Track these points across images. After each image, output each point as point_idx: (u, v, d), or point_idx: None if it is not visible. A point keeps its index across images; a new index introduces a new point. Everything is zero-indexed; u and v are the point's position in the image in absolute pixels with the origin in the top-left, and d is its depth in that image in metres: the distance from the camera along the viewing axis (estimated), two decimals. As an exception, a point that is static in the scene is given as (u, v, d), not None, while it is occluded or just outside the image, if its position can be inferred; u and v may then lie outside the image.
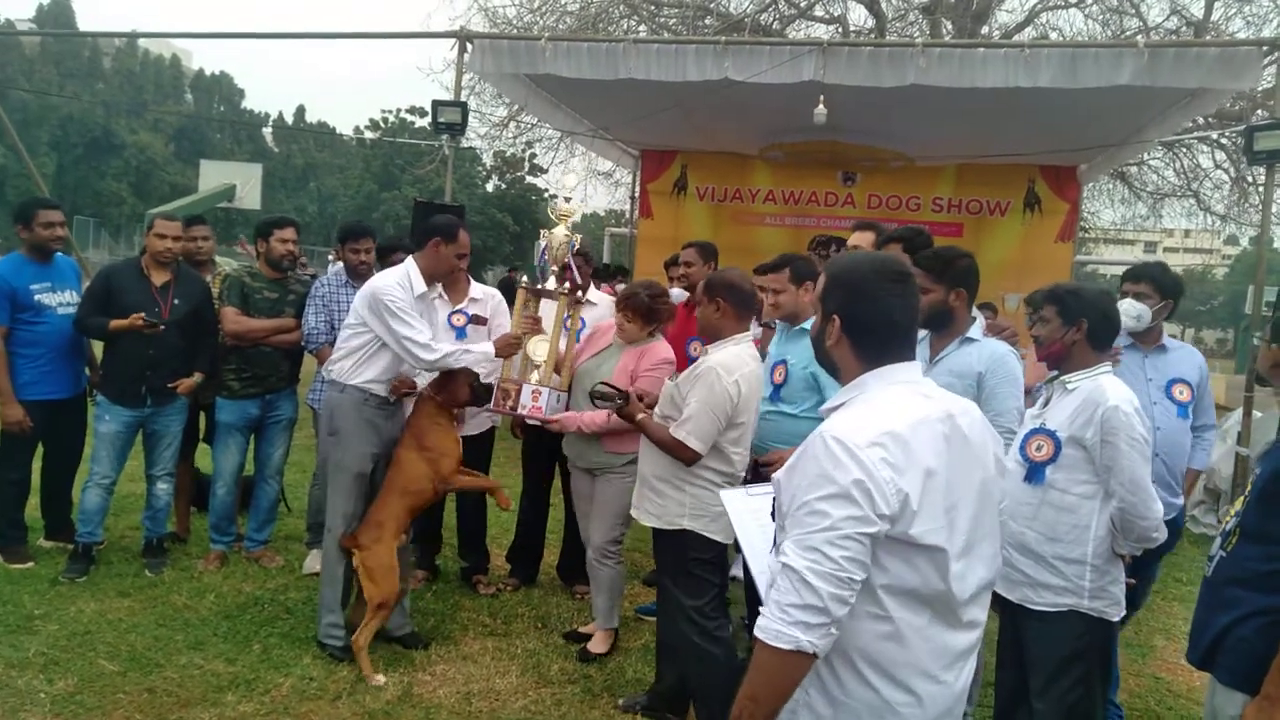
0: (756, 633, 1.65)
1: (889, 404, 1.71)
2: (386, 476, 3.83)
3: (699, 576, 3.21)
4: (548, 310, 4.12)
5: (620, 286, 5.69)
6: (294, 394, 4.89)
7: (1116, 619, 2.70)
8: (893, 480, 1.60)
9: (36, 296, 4.48)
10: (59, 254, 4.73)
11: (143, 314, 4.35)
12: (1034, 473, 2.68)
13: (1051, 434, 2.68)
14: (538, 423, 3.98)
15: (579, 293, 4.04)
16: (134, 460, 4.71)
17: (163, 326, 4.40)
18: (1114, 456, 2.57)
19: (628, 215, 11.92)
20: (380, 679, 3.58)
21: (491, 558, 4.90)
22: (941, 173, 9.45)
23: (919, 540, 1.63)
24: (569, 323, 4.08)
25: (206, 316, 4.61)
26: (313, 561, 4.64)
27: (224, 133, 47.31)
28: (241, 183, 20.48)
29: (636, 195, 10.71)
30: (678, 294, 4.70)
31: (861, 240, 3.92)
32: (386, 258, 4.66)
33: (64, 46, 41.72)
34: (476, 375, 3.90)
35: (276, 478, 4.90)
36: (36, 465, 4.73)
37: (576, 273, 4.02)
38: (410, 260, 3.85)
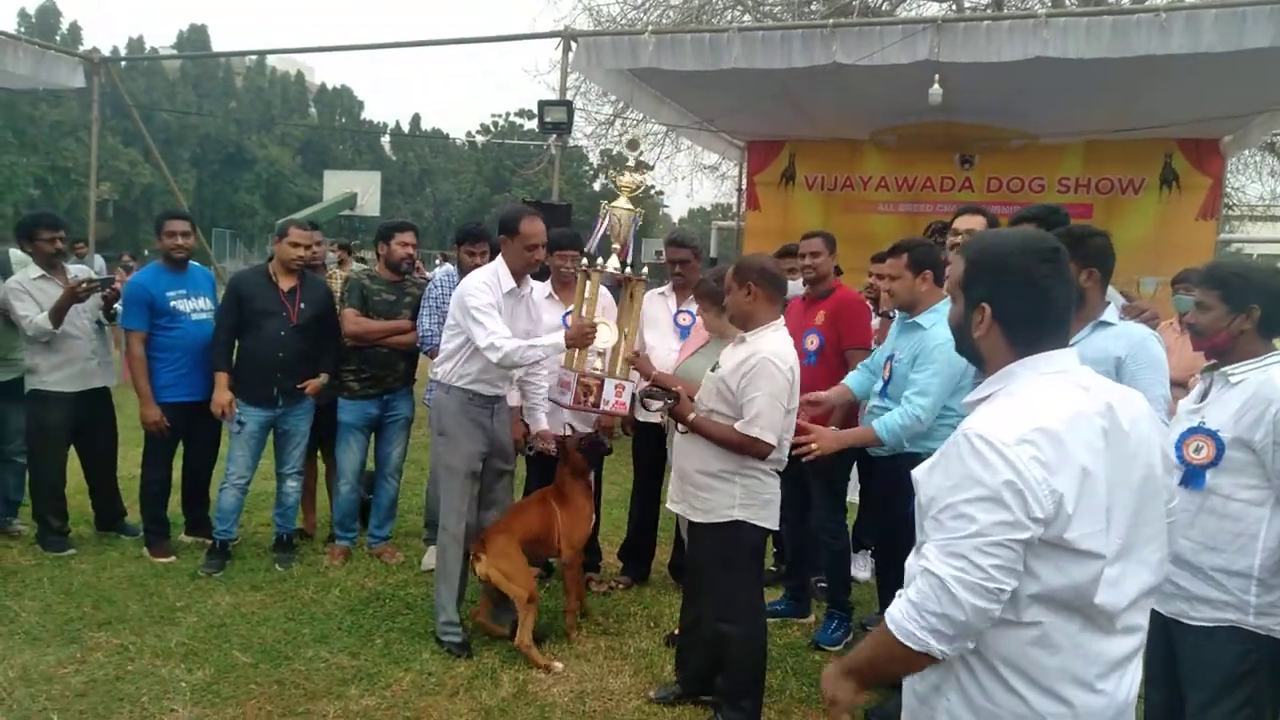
0: (887, 620, 1.57)
1: (1040, 397, 1.56)
2: (525, 499, 4.06)
3: (749, 564, 3.22)
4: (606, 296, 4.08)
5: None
6: (410, 394, 4.99)
7: (1291, 638, 2.42)
8: (1045, 480, 1.47)
9: (172, 303, 4.71)
10: (195, 264, 4.98)
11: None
12: (1192, 477, 2.39)
13: (1213, 434, 2.38)
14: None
15: (630, 271, 3.81)
16: (263, 459, 4.91)
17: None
18: None
19: (735, 208, 11.76)
20: (559, 665, 3.70)
21: (604, 555, 4.89)
22: (1067, 150, 8.93)
23: (1075, 545, 1.50)
24: (630, 305, 3.89)
25: (330, 320, 4.75)
26: (430, 558, 4.73)
27: (346, 143, 49.45)
28: (362, 190, 21.32)
29: (743, 188, 10.56)
30: (795, 286, 4.56)
31: (972, 224, 3.71)
32: (556, 253, 4.71)
33: (201, 69, 44.48)
34: (584, 439, 4.02)
35: (395, 475, 5.01)
36: (177, 465, 4.98)
37: (631, 253, 3.86)
38: (499, 258, 3.86)
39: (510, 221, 3.78)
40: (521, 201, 8.00)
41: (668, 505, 3.45)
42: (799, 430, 3.27)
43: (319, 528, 5.31)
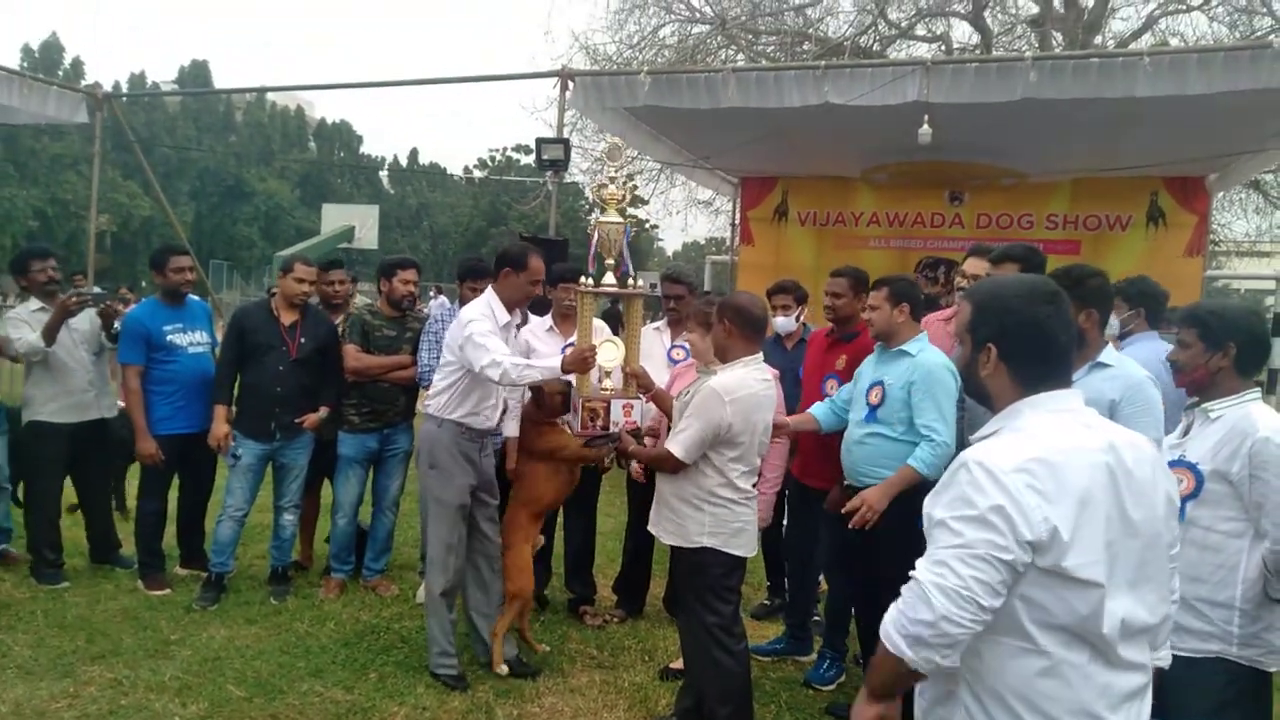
0: (881, 632, 1.66)
1: (1043, 431, 1.63)
2: (511, 491, 4.09)
3: (718, 593, 3.27)
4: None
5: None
6: (410, 427, 5.01)
7: (1275, 669, 2.44)
8: (1039, 507, 1.53)
9: (169, 337, 4.74)
10: (191, 296, 5.01)
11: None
12: None
13: (1192, 467, 2.46)
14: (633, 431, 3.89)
15: (632, 282, 3.81)
16: (261, 492, 4.91)
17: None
18: (1265, 493, 2.34)
19: (728, 243, 11.87)
20: (504, 668, 3.87)
21: (598, 588, 4.89)
22: (1056, 188, 9.05)
23: (1073, 574, 1.54)
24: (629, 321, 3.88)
25: (333, 355, 4.77)
26: (425, 591, 4.72)
27: (344, 177, 49.75)
28: (360, 224, 21.51)
29: (737, 223, 10.65)
30: (781, 323, 4.60)
31: (978, 268, 3.78)
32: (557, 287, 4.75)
33: (201, 103, 44.85)
34: (568, 384, 3.88)
35: (393, 509, 5.02)
36: (172, 497, 4.98)
37: (629, 266, 3.86)
38: (490, 290, 3.88)
39: (519, 257, 3.82)
40: (519, 236, 8.06)
41: (649, 527, 3.50)
42: (844, 503, 3.42)
43: (315, 561, 5.30)
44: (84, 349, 4.84)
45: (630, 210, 3.91)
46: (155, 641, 4.08)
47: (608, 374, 3.80)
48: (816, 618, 4.44)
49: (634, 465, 4.40)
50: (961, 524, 1.55)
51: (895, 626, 1.61)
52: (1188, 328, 2.56)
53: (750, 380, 3.24)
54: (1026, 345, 1.68)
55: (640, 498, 4.71)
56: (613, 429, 3.68)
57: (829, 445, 3.89)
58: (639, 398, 3.79)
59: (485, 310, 3.79)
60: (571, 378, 3.78)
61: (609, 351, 3.80)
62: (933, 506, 1.64)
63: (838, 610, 4.14)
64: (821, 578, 4.48)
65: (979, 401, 1.81)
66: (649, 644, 4.37)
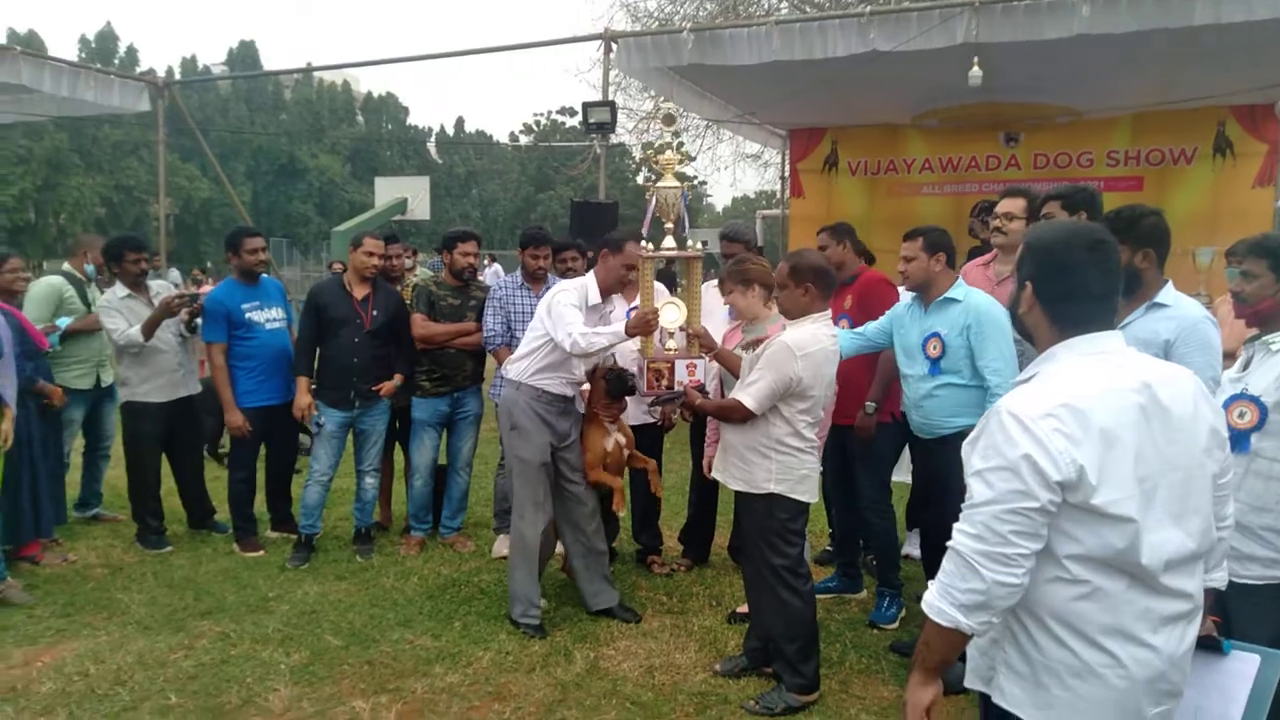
0: (923, 605, 1.73)
1: (1073, 375, 1.69)
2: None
3: (785, 536, 3.41)
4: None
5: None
6: (479, 391, 5.24)
7: (1338, 597, 2.49)
8: (1067, 450, 1.60)
9: (248, 315, 5.00)
10: (265, 275, 5.26)
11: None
12: (1237, 441, 2.47)
13: (1255, 399, 2.48)
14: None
15: (691, 245, 3.97)
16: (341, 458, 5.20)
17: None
18: None
19: (778, 196, 11.83)
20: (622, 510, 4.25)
21: (664, 539, 5.08)
22: (1115, 124, 8.81)
23: (1104, 510, 1.62)
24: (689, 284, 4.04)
25: (403, 325, 5.00)
26: (500, 545, 4.96)
27: (393, 149, 50.28)
28: (412, 195, 21.70)
29: (786, 175, 10.62)
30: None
31: (1012, 206, 3.80)
32: (557, 258, 4.96)
33: (252, 85, 45.64)
34: (611, 370, 4.07)
35: (466, 469, 5.27)
36: (260, 466, 5.29)
37: (687, 227, 4.02)
38: (591, 273, 4.10)
39: (617, 242, 4.02)
40: (570, 200, 8.16)
41: (712, 473, 3.66)
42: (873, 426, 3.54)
43: (394, 521, 5.59)
44: (170, 331, 5.14)
45: (678, 168, 4.01)
46: (255, 598, 4.40)
47: (671, 335, 3.97)
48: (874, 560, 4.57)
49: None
50: (994, 475, 1.64)
51: (946, 600, 1.68)
52: (1256, 258, 2.53)
53: (821, 336, 3.36)
54: (1060, 288, 1.75)
55: (704, 449, 4.87)
56: (677, 388, 3.85)
57: (851, 382, 4.03)
58: (702, 357, 3.95)
59: (577, 285, 4.01)
60: (634, 343, 3.96)
61: (671, 313, 3.97)
62: (970, 454, 1.73)
63: (887, 547, 4.30)
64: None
65: (1026, 340, 1.89)
66: (715, 590, 4.56)
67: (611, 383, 4.11)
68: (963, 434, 3.44)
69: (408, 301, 5.13)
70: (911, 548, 4.96)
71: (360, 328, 4.87)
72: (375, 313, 4.92)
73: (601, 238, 4.14)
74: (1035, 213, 3.75)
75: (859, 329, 4.04)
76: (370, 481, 5.09)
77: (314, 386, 4.91)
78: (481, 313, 5.01)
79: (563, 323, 3.85)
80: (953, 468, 3.44)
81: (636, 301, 4.69)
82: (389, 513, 5.64)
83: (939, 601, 1.69)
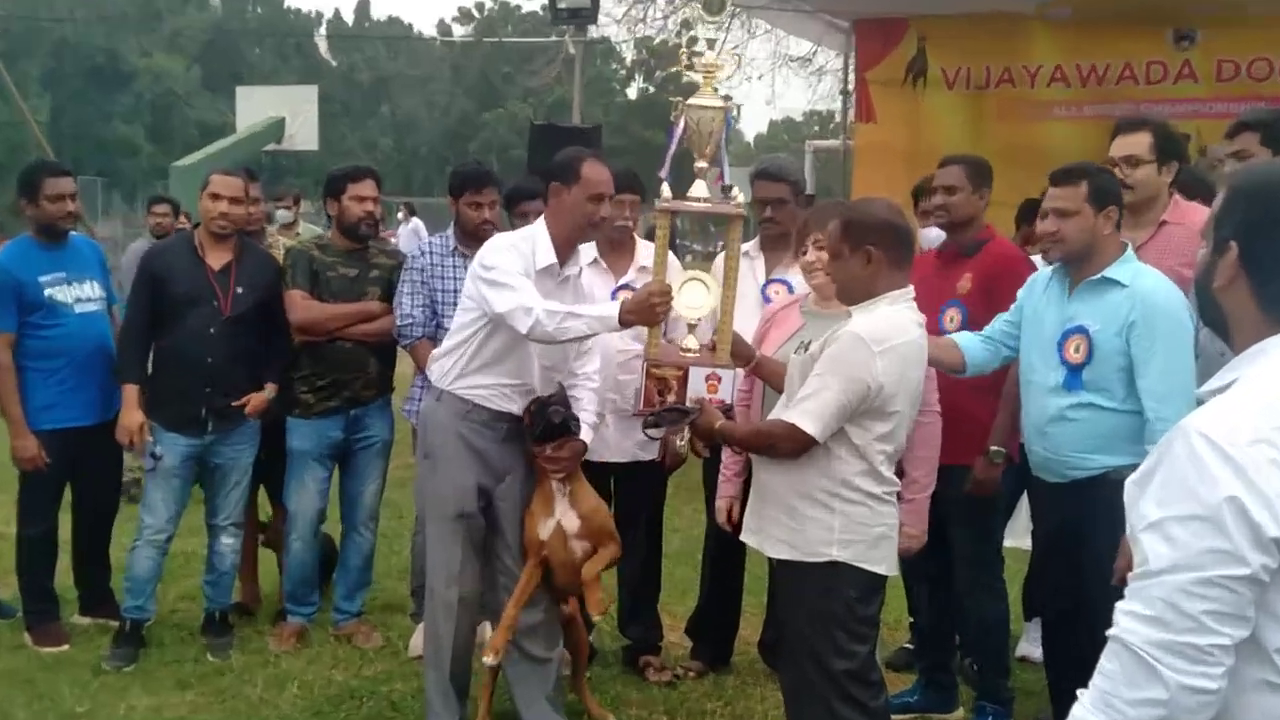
0: None
1: None
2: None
3: (850, 627, 3.35)
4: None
5: None
6: (387, 407, 5.26)
7: None
8: None
9: (48, 292, 4.96)
10: (75, 233, 5.26)
11: None
12: None
13: None
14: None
15: (737, 206, 3.75)
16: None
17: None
18: None
19: (837, 119, 11.87)
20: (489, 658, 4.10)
21: (665, 630, 5.09)
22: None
23: None
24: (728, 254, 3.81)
25: (279, 309, 5.01)
26: (420, 639, 4.97)
27: (264, 46, 50.31)
28: (291, 115, 21.75)
29: (850, 89, 10.65)
30: (934, 235, 4.69)
31: (1135, 145, 3.85)
32: (514, 209, 4.99)
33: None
34: (539, 402, 3.96)
35: (369, 526, 5.29)
36: (66, 518, 5.29)
37: (726, 173, 3.85)
38: (541, 221, 4.05)
39: (566, 164, 3.96)
40: (529, 124, 8.20)
41: (742, 535, 3.64)
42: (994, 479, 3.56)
43: (264, 601, 5.61)
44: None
45: (688, 76, 3.85)
46: (57, 714, 4.39)
47: (692, 328, 3.77)
48: (974, 664, 4.60)
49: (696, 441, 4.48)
50: (1181, 529, 1.62)
51: (1105, 714, 1.66)
52: None
53: (905, 324, 3.31)
54: (1278, 252, 1.73)
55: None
56: (689, 405, 3.68)
57: (956, 406, 4.05)
58: (731, 368, 3.84)
59: (519, 242, 3.95)
60: (624, 338, 3.95)
61: (695, 294, 3.75)
62: (1140, 497, 1.71)
63: (989, 641, 4.32)
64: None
65: (1214, 329, 1.89)
66: (740, 707, 4.58)
67: (536, 418, 3.97)
68: (1106, 478, 3.53)
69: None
70: (1030, 645, 4.98)
71: (216, 313, 4.87)
72: (239, 290, 4.93)
73: (548, 164, 4.07)
74: (1169, 152, 3.77)
75: (986, 331, 4.01)
76: (228, 542, 5.09)
77: (148, 400, 4.91)
78: (390, 289, 5.03)
79: (510, 293, 3.74)
80: (1093, 524, 3.50)
81: (629, 276, 4.74)
82: (256, 589, 5.65)
83: (1095, 718, 1.68)
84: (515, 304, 3.72)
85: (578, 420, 3.95)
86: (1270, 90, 8.68)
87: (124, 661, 4.86)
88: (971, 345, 3.95)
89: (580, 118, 8.40)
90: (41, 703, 4.50)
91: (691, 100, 3.67)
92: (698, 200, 3.71)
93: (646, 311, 3.63)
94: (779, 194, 4.66)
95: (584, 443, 4.04)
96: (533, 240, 3.98)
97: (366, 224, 5.11)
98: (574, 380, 4.19)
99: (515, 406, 4.08)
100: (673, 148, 3.82)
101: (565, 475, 4.03)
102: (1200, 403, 1.79)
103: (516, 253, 3.91)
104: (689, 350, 3.73)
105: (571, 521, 4.03)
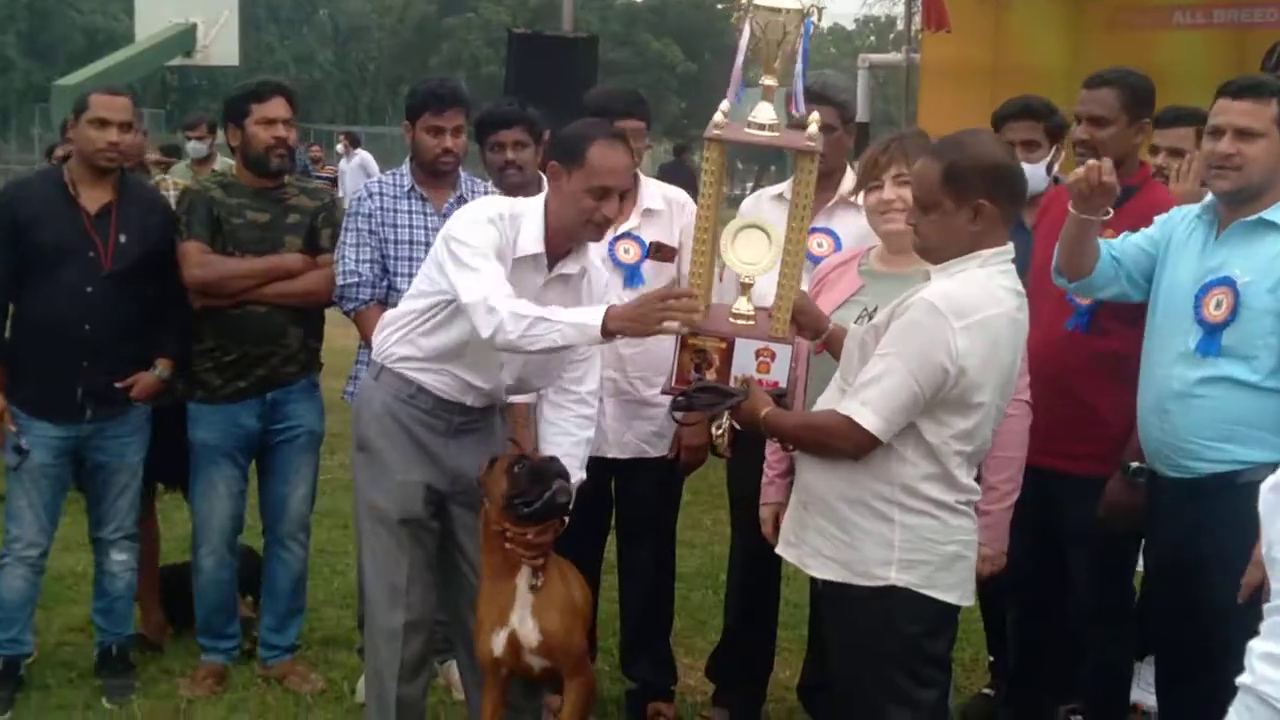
0: None
1: None
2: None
3: (915, 667, 3.36)
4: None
5: None
6: (314, 388, 5.27)
7: None
8: None
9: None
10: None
11: None
12: None
13: None
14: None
15: (819, 127, 3.64)
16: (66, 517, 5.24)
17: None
18: None
19: (900, 27, 11.86)
20: None
21: (681, 671, 5.13)
22: None
23: None
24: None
25: (171, 263, 4.99)
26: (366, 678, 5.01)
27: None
28: (205, 22, 21.72)
29: (917, -9, 10.64)
30: (1034, 172, 4.62)
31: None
32: (487, 138, 4.95)
33: None
34: (534, 466, 3.89)
35: (298, 539, 5.30)
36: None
37: (800, 99, 3.72)
38: (540, 199, 3.98)
39: (574, 142, 3.85)
40: (507, 32, 8.18)
41: (779, 549, 3.67)
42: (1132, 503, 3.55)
43: (172, 631, 5.63)
44: None
45: None
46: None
47: (747, 288, 3.75)
48: (1075, 712, 4.62)
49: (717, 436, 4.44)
50: None
51: None
52: None
53: (999, 292, 3.28)
54: None
55: (752, 511, 4.88)
56: (733, 384, 3.59)
57: (1074, 392, 4.08)
58: (788, 343, 3.71)
59: (502, 217, 3.86)
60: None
61: (754, 248, 3.72)
62: (1278, 511, 1.76)
63: (1109, 691, 4.37)
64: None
65: None
66: (775, 766, 4.61)
67: (528, 490, 3.86)
68: (1236, 477, 3.54)
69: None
70: (1142, 692, 4.99)
71: (96, 267, 4.85)
72: (121, 238, 4.92)
73: (554, 133, 4.04)
74: None
75: (1113, 249, 3.94)
76: (120, 559, 5.10)
77: (7, 379, 4.91)
78: (313, 236, 5.08)
79: (475, 280, 3.71)
80: (1223, 536, 3.50)
81: (632, 222, 4.73)
82: (161, 616, 5.66)
83: None
84: (480, 295, 3.66)
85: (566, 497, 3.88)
86: None
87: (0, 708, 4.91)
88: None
89: (570, 25, 8.37)
90: (-105, 759, 4.55)
91: (759, 0, 3.63)
92: (762, 128, 3.64)
93: (645, 321, 3.57)
94: (824, 120, 4.64)
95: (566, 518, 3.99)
96: (520, 218, 3.91)
97: (277, 154, 5.06)
98: (562, 400, 4.14)
99: (470, 399, 4.09)
100: (739, 61, 3.69)
101: (537, 555, 3.94)
102: None
103: (495, 229, 3.84)
104: (740, 316, 3.71)
105: (530, 634, 3.92)
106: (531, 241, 3.86)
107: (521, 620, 3.88)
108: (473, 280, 3.70)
